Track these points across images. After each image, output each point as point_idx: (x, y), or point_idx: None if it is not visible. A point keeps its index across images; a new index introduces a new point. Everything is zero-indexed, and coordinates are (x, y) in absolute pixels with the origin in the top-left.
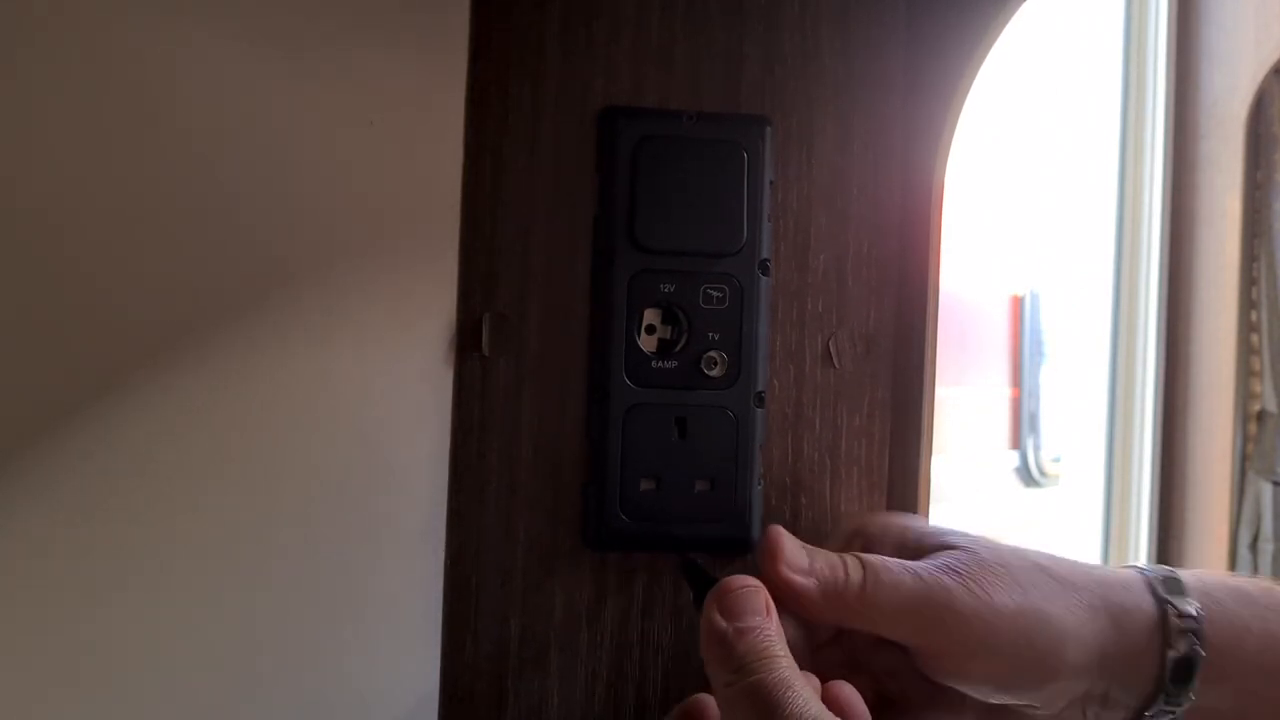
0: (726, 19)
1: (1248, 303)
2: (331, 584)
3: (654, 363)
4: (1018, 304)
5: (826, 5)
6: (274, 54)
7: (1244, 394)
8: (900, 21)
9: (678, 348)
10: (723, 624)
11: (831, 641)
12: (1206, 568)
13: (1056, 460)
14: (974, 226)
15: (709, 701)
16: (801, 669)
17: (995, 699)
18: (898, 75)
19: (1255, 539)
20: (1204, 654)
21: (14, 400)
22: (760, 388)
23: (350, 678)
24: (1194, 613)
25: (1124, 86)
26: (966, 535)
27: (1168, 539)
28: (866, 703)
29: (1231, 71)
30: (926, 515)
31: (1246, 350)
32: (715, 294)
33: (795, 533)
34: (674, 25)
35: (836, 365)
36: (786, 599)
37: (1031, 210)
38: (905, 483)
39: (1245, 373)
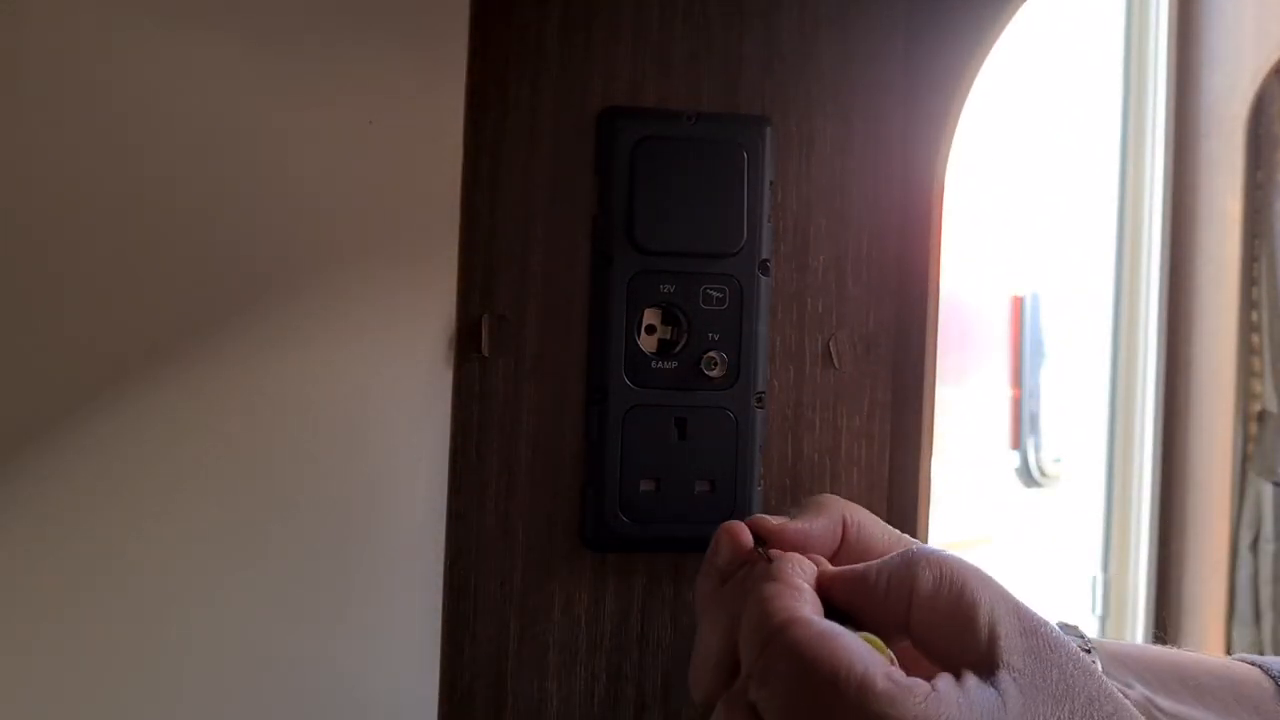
0: (726, 19)
1: (1248, 303)
2: (331, 584)
3: (654, 363)
4: (1018, 304)
5: (826, 6)
6: (274, 54)
7: (1244, 394)
8: (900, 22)
9: (678, 348)
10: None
11: None
12: (1209, 570)
13: (1056, 460)
14: (974, 226)
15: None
16: None
17: None
18: (898, 76)
19: (1256, 539)
20: None
21: (14, 400)
22: (760, 388)
23: (350, 677)
24: None
25: (1125, 87)
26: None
27: (1168, 539)
28: None
29: (1232, 72)
30: (926, 516)
31: (1247, 350)
32: (715, 294)
33: None
34: (674, 25)
35: (836, 366)
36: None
37: (1031, 210)
38: (905, 484)
39: (1246, 373)
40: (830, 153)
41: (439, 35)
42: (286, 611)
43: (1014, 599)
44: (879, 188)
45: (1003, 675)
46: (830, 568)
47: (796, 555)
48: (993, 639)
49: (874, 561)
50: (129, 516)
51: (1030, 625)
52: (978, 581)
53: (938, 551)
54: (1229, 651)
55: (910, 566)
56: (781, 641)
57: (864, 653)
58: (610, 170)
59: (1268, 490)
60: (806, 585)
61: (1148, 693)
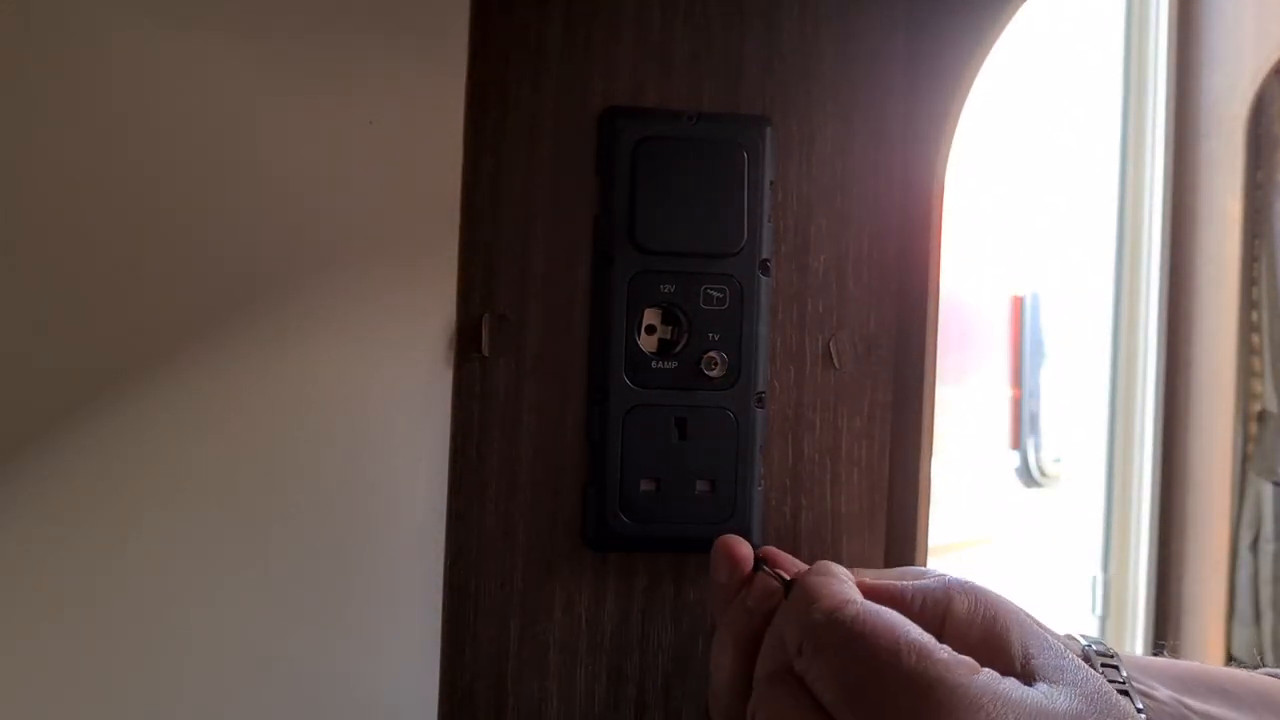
0: (726, 19)
1: (1248, 303)
2: (331, 584)
3: (654, 363)
4: (1018, 304)
5: (826, 5)
6: (274, 53)
7: (1244, 394)
8: (900, 22)
9: (678, 348)
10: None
11: None
12: (1209, 570)
13: (1056, 460)
14: (974, 226)
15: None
16: None
17: None
18: (898, 76)
19: (1256, 540)
20: None
21: (14, 400)
22: (760, 389)
23: (350, 678)
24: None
25: (1125, 87)
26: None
27: (1168, 539)
28: None
29: (1232, 72)
30: (926, 516)
31: (1247, 350)
32: (715, 294)
33: (795, 534)
34: (674, 25)
35: (837, 366)
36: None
37: (1031, 210)
38: (905, 484)
39: (1246, 373)
40: (831, 153)
41: (439, 35)
42: (286, 611)
43: (1044, 633)
44: (879, 188)
45: (1041, 684)
46: (867, 580)
47: (833, 563)
48: (1027, 657)
49: (909, 583)
50: (129, 516)
51: (1060, 651)
52: (1009, 613)
53: (974, 583)
54: (1229, 651)
55: (947, 591)
56: (836, 617)
57: (917, 626)
58: (611, 170)
59: (1268, 490)
60: (851, 580)
61: (1175, 694)
